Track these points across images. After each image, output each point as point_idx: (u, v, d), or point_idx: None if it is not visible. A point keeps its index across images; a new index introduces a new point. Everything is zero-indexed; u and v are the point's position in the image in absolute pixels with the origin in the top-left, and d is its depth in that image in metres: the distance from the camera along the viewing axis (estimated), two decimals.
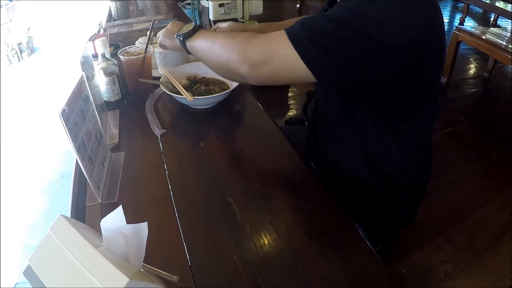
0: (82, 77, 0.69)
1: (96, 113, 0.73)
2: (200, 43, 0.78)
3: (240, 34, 0.72)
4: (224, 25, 1.02)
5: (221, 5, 1.34)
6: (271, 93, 2.50)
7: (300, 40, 0.60)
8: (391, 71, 0.63)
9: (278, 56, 0.63)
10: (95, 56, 0.94)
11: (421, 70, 0.65)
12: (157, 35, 0.93)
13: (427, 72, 0.66)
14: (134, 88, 1.03)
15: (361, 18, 0.57)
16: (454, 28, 2.62)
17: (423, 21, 0.59)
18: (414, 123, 0.75)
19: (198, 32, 0.79)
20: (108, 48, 0.95)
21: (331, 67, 0.61)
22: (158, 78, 1.05)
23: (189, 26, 0.81)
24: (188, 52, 0.82)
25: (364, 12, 0.57)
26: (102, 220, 0.38)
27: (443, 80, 2.74)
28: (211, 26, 1.88)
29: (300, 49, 0.60)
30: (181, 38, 0.80)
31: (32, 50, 3.91)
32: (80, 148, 0.61)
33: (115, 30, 1.61)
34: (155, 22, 1.03)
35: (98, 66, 0.92)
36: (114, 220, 0.38)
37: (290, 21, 1.06)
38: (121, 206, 0.38)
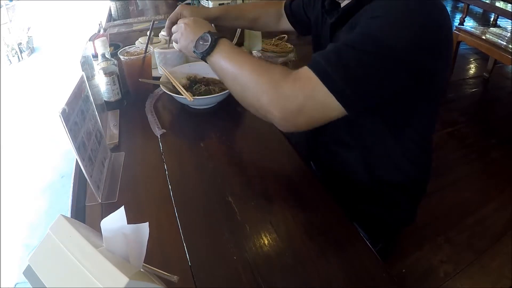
0: (82, 77, 0.69)
1: (96, 113, 0.73)
2: (222, 66, 0.71)
3: (268, 69, 0.66)
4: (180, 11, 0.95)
5: (221, 5, 1.34)
6: None
7: (332, 80, 0.58)
8: (415, 82, 0.63)
9: (312, 101, 0.60)
10: (95, 56, 0.94)
11: (431, 74, 0.64)
12: (173, 37, 0.85)
13: (435, 75, 0.66)
14: (134, 88, 1.03)
15: (380, 39, 0.57)
16: (454, 28, 2.62)
17: (434, 27, 0.59)
18: (415, 124, 0.74)
19: (216, 48, 0.71)
20: (108, 48, 0.95)
21: (365, 100, 0.60)
22: (158, 78, 1.05)
23: (205, 40, 0.72)
24: None
25: (381, 33, 0.57)
26: (102, 221, 0.38)
27: None
28: None
29: (334, 90, 0.58)
30: (200, 57, 0.74)
31: (32, 50, 3.91)
32: (80, 148, 0.61)
33: (115, 30, 1.61)
34: (155, 22, 1.03)
35: (98, 66, 0.92)
36: (115, 220, 0.38)
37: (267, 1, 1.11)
38: (123, 207, 0.38)
